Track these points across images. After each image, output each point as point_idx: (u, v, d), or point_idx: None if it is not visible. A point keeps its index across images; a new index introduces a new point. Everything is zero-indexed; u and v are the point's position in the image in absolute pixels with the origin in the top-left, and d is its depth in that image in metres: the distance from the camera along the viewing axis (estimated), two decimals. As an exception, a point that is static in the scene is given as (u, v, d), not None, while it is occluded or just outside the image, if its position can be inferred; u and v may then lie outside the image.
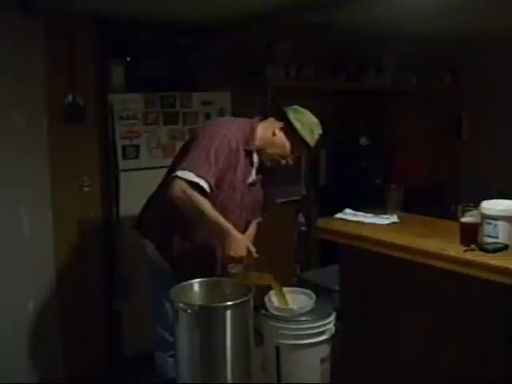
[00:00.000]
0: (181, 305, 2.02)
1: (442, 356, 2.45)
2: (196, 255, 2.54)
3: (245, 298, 2.04)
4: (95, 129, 3.45)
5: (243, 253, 2.32)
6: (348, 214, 2.87)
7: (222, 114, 3.78)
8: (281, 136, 2.54)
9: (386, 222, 2.74)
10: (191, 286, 2.22)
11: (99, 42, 3.44)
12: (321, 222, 2.87)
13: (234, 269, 2.46)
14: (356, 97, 4.72)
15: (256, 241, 2.58)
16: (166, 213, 2.50)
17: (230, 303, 2.00)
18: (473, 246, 2.26)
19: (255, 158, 2.56)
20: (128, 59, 3.56)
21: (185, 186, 2.29)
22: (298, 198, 4.46)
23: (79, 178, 3.39)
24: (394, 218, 2.77)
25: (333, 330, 2.51)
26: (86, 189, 3.43)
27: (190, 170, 2.31)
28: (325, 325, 2.45)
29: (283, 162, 2.59)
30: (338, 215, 2.87)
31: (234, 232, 2.34)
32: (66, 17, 3.22)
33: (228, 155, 2.41)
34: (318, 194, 4.58)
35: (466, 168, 5.49)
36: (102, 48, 3.48)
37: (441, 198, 5.02)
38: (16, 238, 3.21)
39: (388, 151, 4.91)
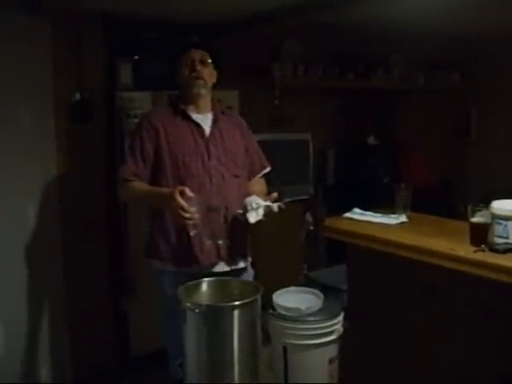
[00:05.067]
0: (188, 304, 2.02)
1: (450, 356, 2.43)
2: (183, 243, 2.49)
3: (253, 298, 2.03)
4: (103, 127, 3.45)
5: (180, 213, 2.21)
6: (356, 214, 2.85)
7: (229, 112, 3.77)
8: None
9: (395, 221, 2.72)
10: (199, 285, 2.21)
11: (107, 40, 3.43)
12: (328, 222, 2.85)
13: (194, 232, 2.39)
14: (364, 96, 4.70)
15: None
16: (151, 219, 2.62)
17: (237, 303, 2.00)
18: (483, 247, 2.23)
19: (195, 116, 2.61)
20: (136, 57, 3.56)
21: (118, 188, 2.57)
22: (306, 197, 4.45)
23: (87, 176, 3.39)
24: (403, 218, 2.75)
25: (341, 330, 2.50)
26: (94, 187, 3.42)
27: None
28: (333, 325, 2.45)
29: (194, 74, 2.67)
30: (347, 214, 2.85)
31: (167, 193, 2.30)
32: (73, 15, 3.22)
33: (147, 132, 2.51)
34: (325, 194, 4.57)
35: (474, 167, 5.46)
36: (110, 46, 3.47)
37: (449, 197, 4.99)
38: (23, 238, 3.21)
39: (396, 150, 4.89)
